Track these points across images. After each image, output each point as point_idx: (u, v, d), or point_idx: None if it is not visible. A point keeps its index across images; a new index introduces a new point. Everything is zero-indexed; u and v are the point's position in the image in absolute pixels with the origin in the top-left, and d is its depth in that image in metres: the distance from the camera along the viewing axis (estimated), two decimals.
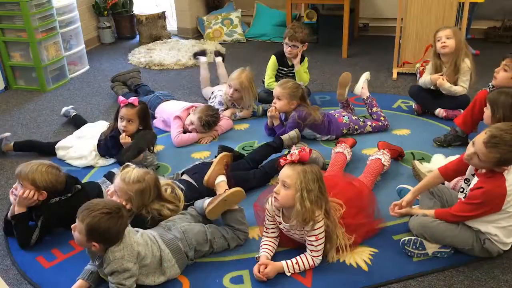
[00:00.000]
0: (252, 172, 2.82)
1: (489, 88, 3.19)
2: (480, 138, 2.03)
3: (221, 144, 3.03)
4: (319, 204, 2.09)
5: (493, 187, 2.05)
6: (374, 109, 3.41)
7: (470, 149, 2.08)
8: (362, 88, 3.44)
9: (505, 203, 2.06)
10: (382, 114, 3.42)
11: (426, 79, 3.54)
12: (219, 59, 4.27)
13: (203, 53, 4.37)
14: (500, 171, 2.06)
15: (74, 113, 3.72)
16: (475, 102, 2.99)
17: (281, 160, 2.13)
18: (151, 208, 2.32)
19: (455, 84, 3.45)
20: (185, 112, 3.48)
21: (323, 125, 3.26)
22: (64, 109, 3.80)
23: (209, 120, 3.38)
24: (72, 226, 1.99)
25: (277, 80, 3.75)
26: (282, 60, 3.87)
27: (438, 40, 3.42)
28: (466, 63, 3.41)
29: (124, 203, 2.27)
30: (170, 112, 3.52)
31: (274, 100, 3.27)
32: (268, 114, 3.30)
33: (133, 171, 2.31)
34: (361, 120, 3.39)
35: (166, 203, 2.37)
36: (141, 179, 2.29)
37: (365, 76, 3.51)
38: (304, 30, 3.76)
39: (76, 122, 3.61)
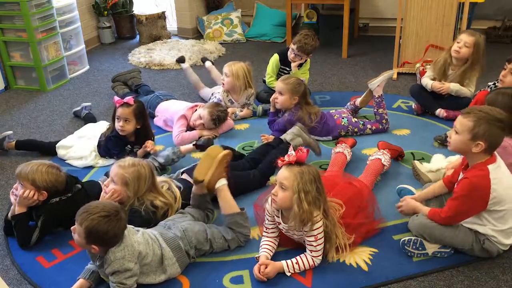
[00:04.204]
0: (252, 172, 2.82)
1: (490, 89, 3.19)
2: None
3: (221, 144, 3.02)
4: (317, 205, 2.09)
5: (476, 176, 2.07)
6: (381, 110, 3.38)
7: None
8: (377, 86, 3.36)
9: (492, 198, 2.05)
10: (386, 117, 3.39)
11: (427, 82, 3.54)
12: (208, 64, 4.27)
13: (181, 59, 4.27)
14: (477, 151, 2.05)
15: (87, 112, 3.73)
16: (475, 103, 2.98)
17: (279, 161, 2.13)
18: (146, 199, 2.33)
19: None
20: (190, 111, 3.48)
21: (314, 129, 3.27)
22: (83, 104, 3.83)
23: (220, 116, 3.41)
24: (72, 228, 1.99)
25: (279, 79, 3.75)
26: (285, 59, 3.88)
27: (458, 42, 3.41)
28: (475, 75, 3.43)
29: (120, 187, 2.29)
30: (173, 111, 3.53)
31: (276, 95, 3.28)
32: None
33: (128, 159, 2.39)
34: (361, 123, 3.38)
35: (159, 195, 2.39)
36: (137, 163, 2.35)
37: (388, 75, 3.38)
38: (315, 43, 3.77)
39: (87, 122, 3.62)
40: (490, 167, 2.07)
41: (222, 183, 2.37)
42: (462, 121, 2.08)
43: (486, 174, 2.06)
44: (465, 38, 3.38)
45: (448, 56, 3.49)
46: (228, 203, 2.36)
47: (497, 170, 2.09)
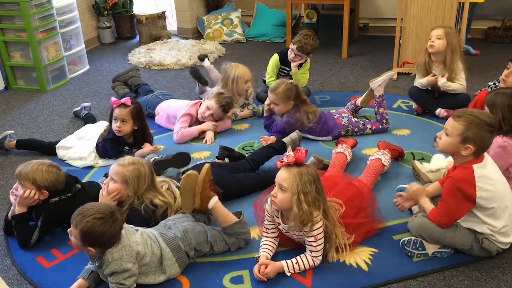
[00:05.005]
0: (254, 175, 2.81)
1: (490, 88, 3.18)
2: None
3: (222, 145, 3.03)
4: (317, 205, 2.08)
5: (460, 174, 2.10)
6: (381, 110, 3.38)
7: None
8: (379, 85, 3.36)
9: (479, 196, 2.06)
10: (386, 117, 3.38)
11: (422, 81, 3.55)
12: (207, 63, 4.16)
13: (202, 57, 4.23)
14: (466, 154, 2.07)
15: (86, 113, 3.73)
16: (475, 103, 2.98)
17: (278, 162, 2.13)
18: (145, 197, 2.34)
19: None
20: (194, 108, 3.49)
21: (314, 129, 3.28)
22: (82, 105, 3.83)
23: (228, 101, 3.44)
24: (68, 230, 1.99)
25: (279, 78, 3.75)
26: (285, 59, 3.88)
27: (430, 38, 3.44)
28: (459, 66, 3.43)
29: (119, 186, 2.29)
30: (176, 108, 3.53)
31: (268, 101, 3.30)
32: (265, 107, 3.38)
33: (128, 157, 2.40)
34: (361, 123, 3.38)
35: (158, 194, 2.39)
36: (136, 162, 2.36)
37: (389, 75, 3.39)
38: (315, 43, 3.77)
39: (86, 122, 3.61)
40: (474, 166, 2.09)
41: (214, 201, 2.29)
42: (453, 124, 2.11)
43: (470, 172, 2.08)
44: (434, 32, 3.42)
45: (427, 56, 3.50)
46: (224, 217, 2.31)
47: (483, 169, 2.10)
